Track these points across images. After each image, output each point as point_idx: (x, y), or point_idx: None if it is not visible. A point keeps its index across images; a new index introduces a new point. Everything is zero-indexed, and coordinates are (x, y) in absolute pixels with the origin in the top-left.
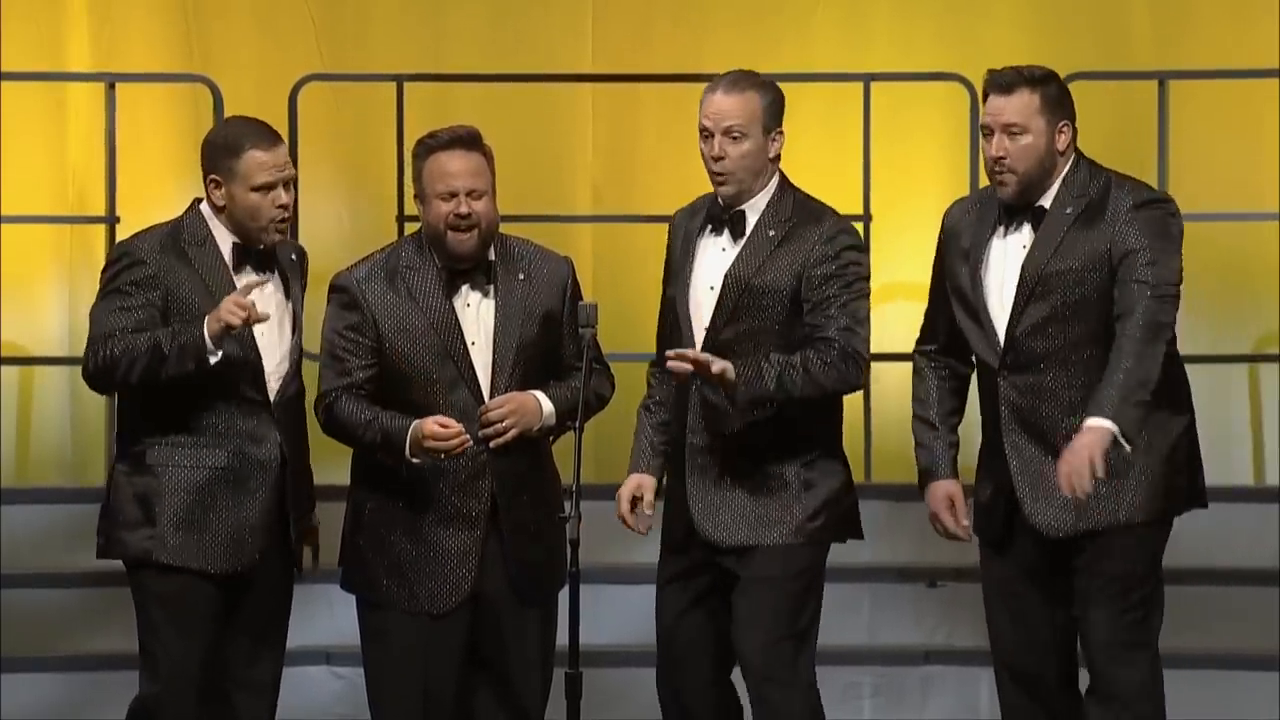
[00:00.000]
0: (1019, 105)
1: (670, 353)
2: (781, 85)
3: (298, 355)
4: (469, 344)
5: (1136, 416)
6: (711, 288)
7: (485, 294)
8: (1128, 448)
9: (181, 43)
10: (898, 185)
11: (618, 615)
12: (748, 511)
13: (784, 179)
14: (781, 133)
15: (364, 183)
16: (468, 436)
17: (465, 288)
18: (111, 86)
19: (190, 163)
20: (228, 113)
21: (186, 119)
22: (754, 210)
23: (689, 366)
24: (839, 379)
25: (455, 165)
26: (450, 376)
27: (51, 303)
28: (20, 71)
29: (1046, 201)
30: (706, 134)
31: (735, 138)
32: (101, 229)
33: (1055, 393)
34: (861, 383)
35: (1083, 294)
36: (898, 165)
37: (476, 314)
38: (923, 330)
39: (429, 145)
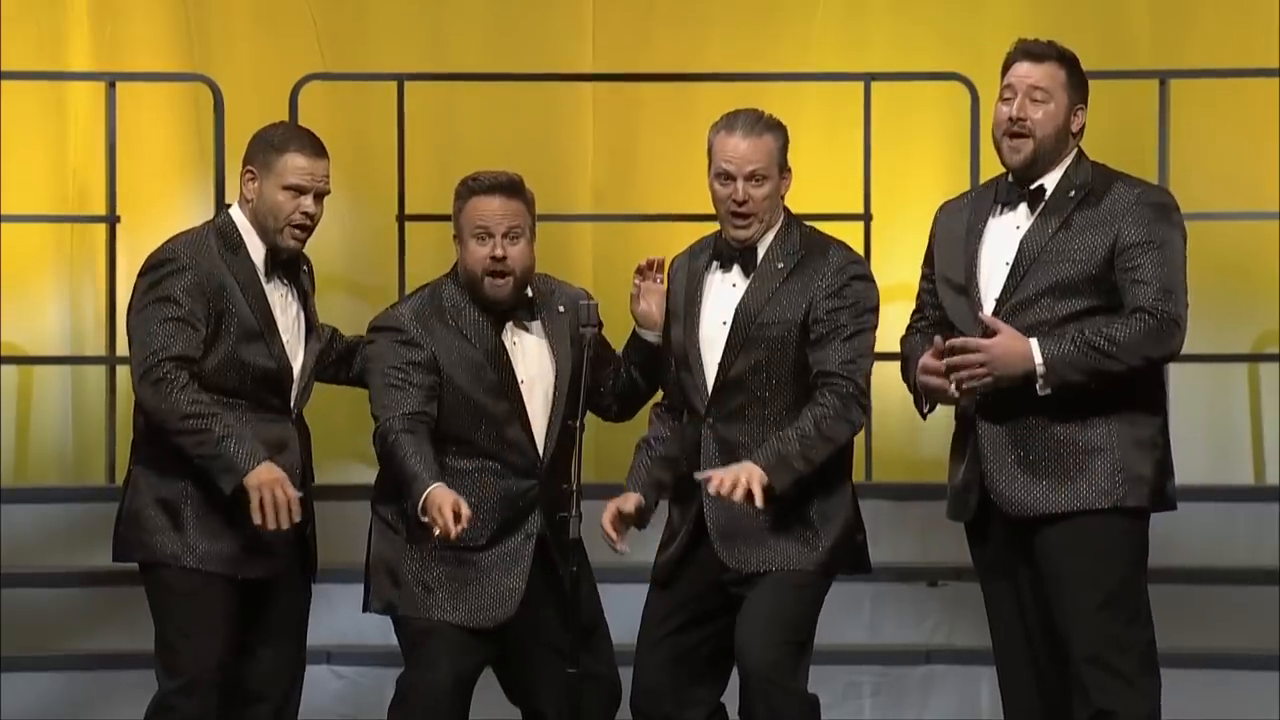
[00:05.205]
0: (1049, 73)
1: (700, 475)
2: (781, 85)
3: (312, 365)
4: (520, 381)
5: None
6: (724, 323)
7: (529, 330)
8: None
9: (182, 42)
10: (898, 185)
11: (618, 615)
12: (766, 542)
13: (789, 213)
14: (790, 170)
15: (364, 183)
16: (458, 527)
17: (510, 325)
18: (112, 86)
19: (191, 162)
20: (228, 112)
21: (186, 119)
22: (763, 245)
23: (725, 494)
24: (849, 428)
25: (492, 207)
26: (505, 412)
27: (51, 303)
28: (20, 71)
29: (1048, 182)
30: (727, 178)
31: (758, 182)
32: (102, 229)
33: None
34: (864, 421)
35: (1076, 275)
36: (898, 165)
37: (524, 351)
38: (911, 317)
39: (470, 187)
